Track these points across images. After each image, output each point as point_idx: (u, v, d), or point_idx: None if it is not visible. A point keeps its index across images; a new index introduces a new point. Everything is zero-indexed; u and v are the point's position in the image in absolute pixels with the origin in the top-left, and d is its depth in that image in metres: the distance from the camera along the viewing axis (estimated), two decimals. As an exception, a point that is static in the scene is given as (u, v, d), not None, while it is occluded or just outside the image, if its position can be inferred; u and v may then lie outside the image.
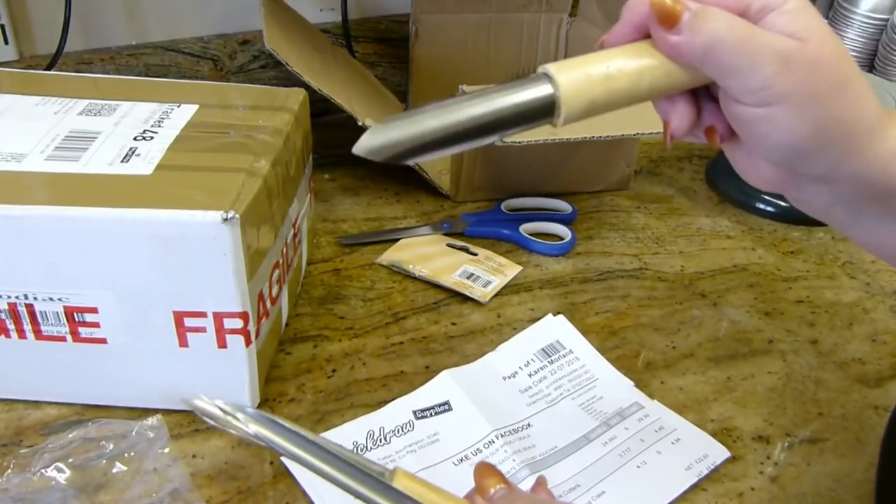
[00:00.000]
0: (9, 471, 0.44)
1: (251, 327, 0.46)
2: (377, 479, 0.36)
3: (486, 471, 0.38)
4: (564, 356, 0.55)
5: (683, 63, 0.32)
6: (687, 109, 0.35)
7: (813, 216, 0.39)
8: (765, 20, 0.31)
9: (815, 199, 0.37)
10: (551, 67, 0.32)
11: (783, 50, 0.31)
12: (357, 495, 0.37)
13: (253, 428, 0.37)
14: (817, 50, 0.31)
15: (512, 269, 0.65)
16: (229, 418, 0.38)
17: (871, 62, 1.02)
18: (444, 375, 0.53)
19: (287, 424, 0.38)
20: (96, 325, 0.46)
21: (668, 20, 0.31)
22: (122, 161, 0.47)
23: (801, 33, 0.31)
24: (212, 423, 0.38)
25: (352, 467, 0.36)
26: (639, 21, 0.33)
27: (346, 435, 0.48)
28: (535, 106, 0.31)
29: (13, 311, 0.45)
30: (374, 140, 0.30)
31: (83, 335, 0.46)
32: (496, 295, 0.62)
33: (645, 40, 0.33)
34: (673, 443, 0.49)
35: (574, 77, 0.32)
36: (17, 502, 0.42)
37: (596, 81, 0.32)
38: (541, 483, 0.43)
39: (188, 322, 0.46)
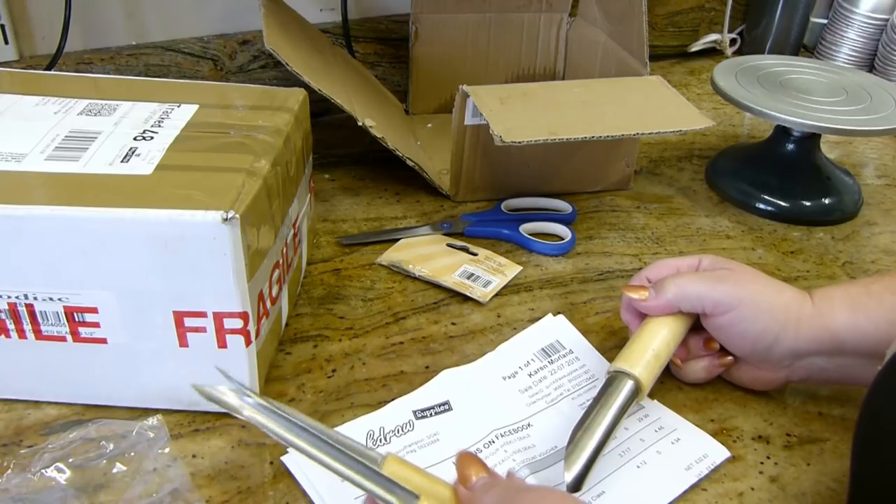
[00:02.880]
0: (9, 471, 0.44)
1: (251, 327, 0.46)
2: (366, 465, 0.37)
3: (467, 461, 0.38)
4: (564, 356, 0.55)
5: (671, 313, 0.50)
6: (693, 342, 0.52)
7: (829, 384, 0.53)
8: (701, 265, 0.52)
9: (813, 371, 0.49)
10: (625, 368, 0.47)
11: (719, 275, 0.49)
12: (346, 478, 0.37)
13: (248, 413, 0.37)
14: (740, 268, 0.50)
15: (512, 269, 0.65)
16: (227, 399, 0.38)
17: (871, 62, 1.02)
18: (444, 375, 0.53)
19: (283, 411, 0.38)
20: (96, 325, 0.46)
21: (640, 298, 0.50)
22: (122, 161, 0.47)
23: (726, 264, 0.51)
24: (217, 406, 0.38)
25: (343, 453, 0.37)
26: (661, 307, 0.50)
27: (347, 435, 0.48)
28: (630, 400, 0.46)
29: (13, 311, 0.45)
30: (570, 477, 0.43)
31: (83, 335, 0.46)
32: (496, 295, 0.62)
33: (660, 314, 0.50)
34: (673, 443, 0.49)
35: (645, 370, 0.47)
36: (17, 502, 0.42)
37: (654, 363, 0.48)
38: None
39: (188, 322, 0.46)
